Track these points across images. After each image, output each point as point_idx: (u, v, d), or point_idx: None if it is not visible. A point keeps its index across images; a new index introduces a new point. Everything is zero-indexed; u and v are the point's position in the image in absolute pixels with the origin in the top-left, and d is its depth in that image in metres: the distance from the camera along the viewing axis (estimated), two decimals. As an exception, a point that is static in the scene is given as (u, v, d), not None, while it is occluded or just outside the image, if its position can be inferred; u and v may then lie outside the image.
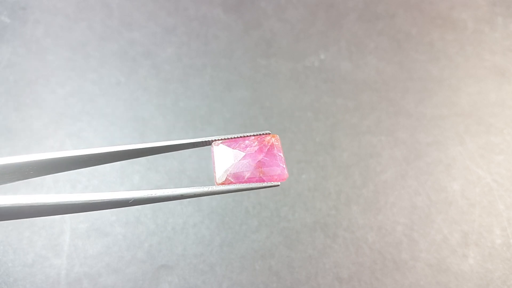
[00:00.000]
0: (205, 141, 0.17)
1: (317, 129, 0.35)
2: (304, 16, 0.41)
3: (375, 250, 0.31)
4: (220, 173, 0.16)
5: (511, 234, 0.32)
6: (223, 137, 0.17)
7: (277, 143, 0.16)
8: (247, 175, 0.16)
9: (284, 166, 0.16)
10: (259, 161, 0.16)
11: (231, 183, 0.16)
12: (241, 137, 0.17)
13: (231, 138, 0.17)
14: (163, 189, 0.15)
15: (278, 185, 0.16)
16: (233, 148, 0.16)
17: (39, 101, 0.35)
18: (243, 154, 0.16)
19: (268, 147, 0.16)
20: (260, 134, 0.17)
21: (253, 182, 0.16)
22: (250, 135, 0.17)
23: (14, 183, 0.16)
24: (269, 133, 0.17)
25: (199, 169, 0.33)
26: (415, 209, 0.32)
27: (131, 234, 0.31)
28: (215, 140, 0.17)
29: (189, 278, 0.29)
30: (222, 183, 0.16)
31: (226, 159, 0.16)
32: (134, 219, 0.31)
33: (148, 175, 0.33)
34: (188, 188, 0.16)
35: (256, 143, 0.16)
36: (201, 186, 0.16)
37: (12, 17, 0.39)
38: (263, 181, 0.16)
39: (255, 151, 0.16)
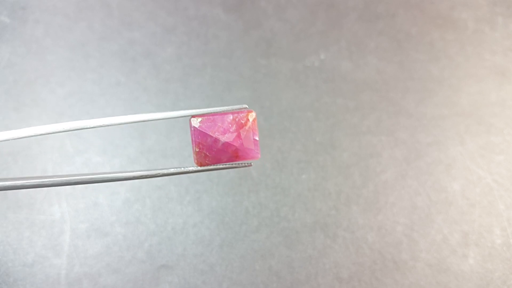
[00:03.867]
0: (184, 116, 0.18)
1: (317, 129, 0.35)
2: (304, 16, 0.41)
3: (375, 250, 0.31)
4: (200, 158, 0.18)
5: (511, 234, 0.32)
6: (201, 111, 0.18)
7: (254, 125, 0.18)
8: (224, 160, 0.18)
9: (258, 150, 0.18)
10: (236, 148, 0.17)
11: (208, 164, 0.18)
12: (219, 113, 0.18)
13: (210, 113, 0.18)
14: (145, 170, 0.17)
15: (251, 165, 0.18)
16: (212, 134, 0.17)
17: (39, 101, 0.35)
18: (222, 141, 0.17)
19: (245, 132, 0.18)
20: (238, 110, 0.18)
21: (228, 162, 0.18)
22: (228, 112, 0.18)
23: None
24: (247, 108, 0.18)
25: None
26: (415, 209, 0.32)
27: (131, 234, 0.31)
28: (193, 116, 0.18)
29: (189, 278, 0.29)
30: (201, 165, 0.18)
31: (205, 144, 0.18)
32: (134, 219, 0.31)
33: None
34: (169, 168, 0.18)
35: (234, 127, 0.18)
36: (181, 167, 0.18)
37: (12, 17, 0.39)
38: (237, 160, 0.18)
39: (233, 138, 0.17)
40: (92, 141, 0.34)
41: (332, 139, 0.35)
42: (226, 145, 0.17)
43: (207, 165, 0.18)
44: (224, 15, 0.40)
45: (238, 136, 0.18)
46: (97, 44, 0.38)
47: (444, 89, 0.37)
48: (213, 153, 0.17)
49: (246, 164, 0.18)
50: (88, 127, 0.17)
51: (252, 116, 0.18)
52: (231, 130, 0.18)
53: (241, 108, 0.18)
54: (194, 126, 0.18)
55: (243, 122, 0.18)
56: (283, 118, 0.36)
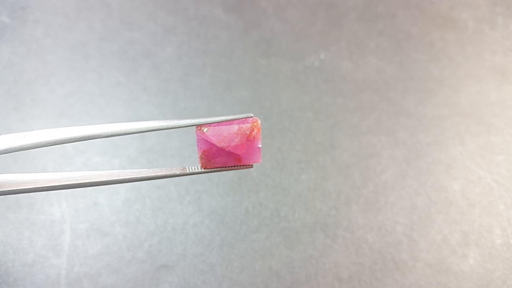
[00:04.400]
0: (190, 125, 0.18)
1: (317, 129, 0.35)
2: (304, 16, 0.41)
3: (375, 250, 0.31)
4: (205, 163, 0.18)
5: (511, 234, 0.32)
6: (207, 120, 0.18)
7: (258, 134, 0.18)
8: (228, 164, 0.18)
9: (260, 155, 0.18)
10: (240, 155, 0.18)
11: (213, 167, 0.18)
12: (224, 121, 0.18)
13: (214, 122, 0.18)
14: (151, 169, 0.18)
15: (252, 166, 0.19)
16: (217, 144, 0.18)
17: (39, 101, 0.35)
18: (226, 151, 0.18)
19: (249, 142, 0.18)
20: (243, 119, 0.18)
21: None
22: (234, 120, 0.18)
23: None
24: (252, 117, 0.18)
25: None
26: (415, 209, 0.32)
27: (131, 234, 0.31)
28: (199, 126, 0.18)
29: (189, 278, 0.29)
30: (206, 168, 0.18)
31: (210, 152, 0.18)
32: (134, 219, 0.31)
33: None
34: (175, 169, 0.18)
35: (239, 137, 0.18)
36: (186, 167, 0.18)
37: (12, 17, 0.39)
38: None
39: (238, 147, 0.18)
40: (92, 141, 0.34)
41: (332, 139, 0.35)
42: (231, 153, 0.18)
43: (212, 168, 0.18)
44: (224, 15, 0.40)
45: (242, 145, 0.18)
46: (97, 44, 0.38)
47: (444, 89, 0.37)
48: (218, 160, 0.18)
49: (248, 166, 0.19)
50: (94, 136, 0.17)
51: (257, 126, 0.18)
52: (236, 140, 0.18)
53: (247, 117, 0.18)
54: (200, 136, 0.18)
55: (248, 133, 0.18)
56: (283, 118, 0.36)
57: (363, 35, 0.40)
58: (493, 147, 0.35)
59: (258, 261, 0.30)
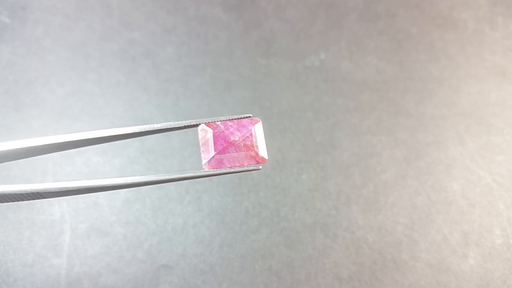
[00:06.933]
0: (191, 124, 0.18)
1: (317, 129, 0.35)
2: (304, 16, 0.41)
3: (375, 250, 0.31)
4: (206, 161, 0.18)
5: (511, 234, 0.32)
6: (207, 120, 0.18)
7: (260, 134, 0.18)
8: (235, 165, 0.18)
9: (265, 154, 0.18)
10: (241, 159, 0.18)
11: (216, 168, 0.18)
12: (224, 120, 0.18)
13: (215, 121, 0.18)
14: (155, 175, 0.17)
15: (260, 169, 0.18)
16: (222, 149, 0.18)
17: (39, 101, 0.35)
18: (230, 153, 0.18)
19: (251, 146, 0.18)
20: (242, 118, 0.18)
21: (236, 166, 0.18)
22: (234, 119, 0.18)
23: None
24: (251, 117, 0.18)
25: (200, 169, 0.33)
26: (415, 209, 0.32)
27: (131, 234, 0.31)
28: (200, 124, 0.18)
29: (189, 278, 0.29)
30: (209, 169, 0.18)
31: (213, 152, 0.18)
32: (134, 219, 0.31)
33: (148, 175, 0.32)
34: (177, 173, 0.18)
35: (240, 138, 0.18)
36: (190, 171, 0.18)
37: (12, 17, 0.39)
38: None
39: (240, 148, 0.18)
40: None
41: (332, 139, 0.35)
42: (236, 159, 0.18)
43: (215, 167, 0.18)
44: (224, 15, 0.40)
45: (245, 146, 0.18)
46: (97, 44, 0.38)
47: (444, 89, 0.37)
48: (224, 161, 0.18)
49: (255, 168, 0.18)
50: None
51: (258, 123, 0.18)
52: (238, 141, 0.18)
53: (245, 117, 0.18)
54: (202, 133, 0.18)
55: (248, 134, 0.18)
56: (283, 118, 0.36)
57: (363, 35, 0.40)
58: (493, 147, 0.35)
59: (258, 261, 0.30)
